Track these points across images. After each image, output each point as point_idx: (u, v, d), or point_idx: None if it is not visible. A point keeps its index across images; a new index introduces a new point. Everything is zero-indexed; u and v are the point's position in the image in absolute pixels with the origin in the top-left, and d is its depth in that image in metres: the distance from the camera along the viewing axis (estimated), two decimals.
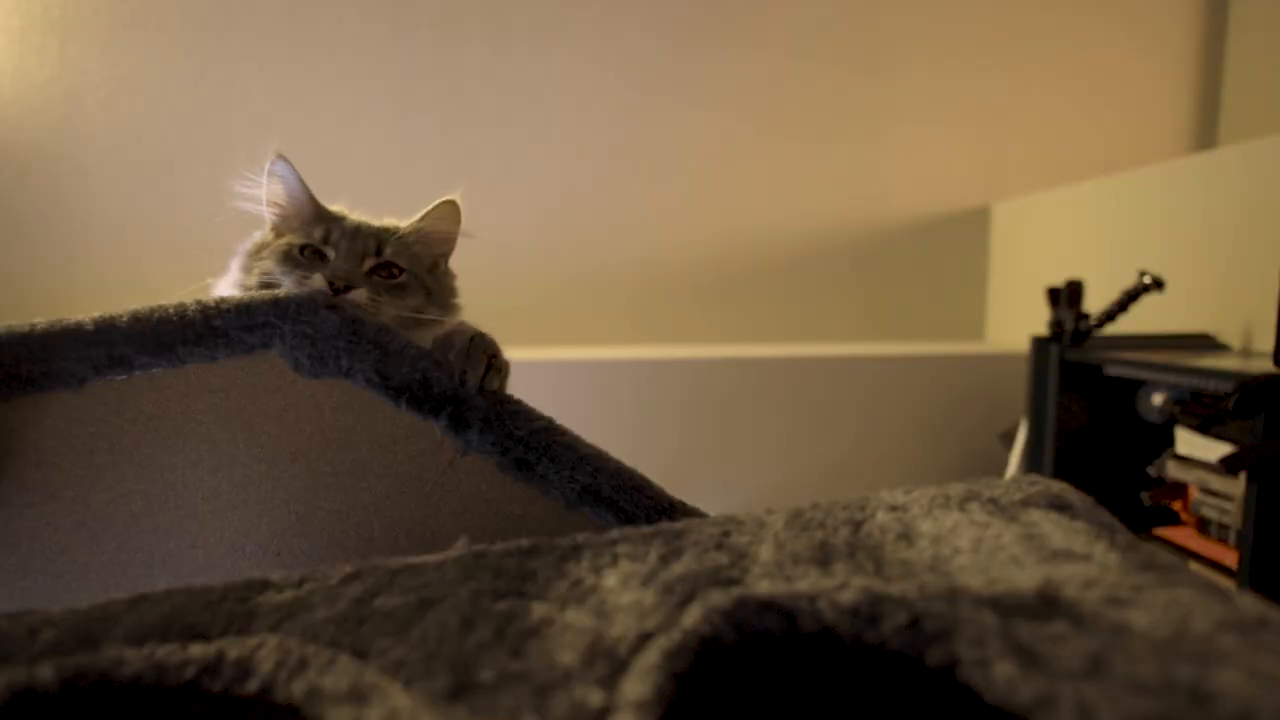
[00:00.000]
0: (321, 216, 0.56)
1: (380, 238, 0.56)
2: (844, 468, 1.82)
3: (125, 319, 0.45)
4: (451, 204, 0.58)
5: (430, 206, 0.58)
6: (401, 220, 0.58)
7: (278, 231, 0.57)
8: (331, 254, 0.54)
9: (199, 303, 0.47)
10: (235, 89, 1.82)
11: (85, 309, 0.47)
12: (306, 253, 0.54)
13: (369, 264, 0.54)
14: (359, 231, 0.55)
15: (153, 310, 0.46)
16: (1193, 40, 2.29)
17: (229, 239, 0.58)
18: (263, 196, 0.56)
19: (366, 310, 0.51)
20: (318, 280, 0.50)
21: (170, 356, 0.46)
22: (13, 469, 0.45)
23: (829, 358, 1.82)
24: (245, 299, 0.47)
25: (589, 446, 0.51)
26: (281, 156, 0.55)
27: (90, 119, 1.75)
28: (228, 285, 0.56)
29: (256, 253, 0.55)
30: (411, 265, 0.56)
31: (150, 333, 0.45)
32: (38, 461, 0.46)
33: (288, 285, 0.51)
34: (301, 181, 0.56)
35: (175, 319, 0.46)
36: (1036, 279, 1.91)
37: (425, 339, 0.54)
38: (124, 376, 0.46)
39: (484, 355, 0.50)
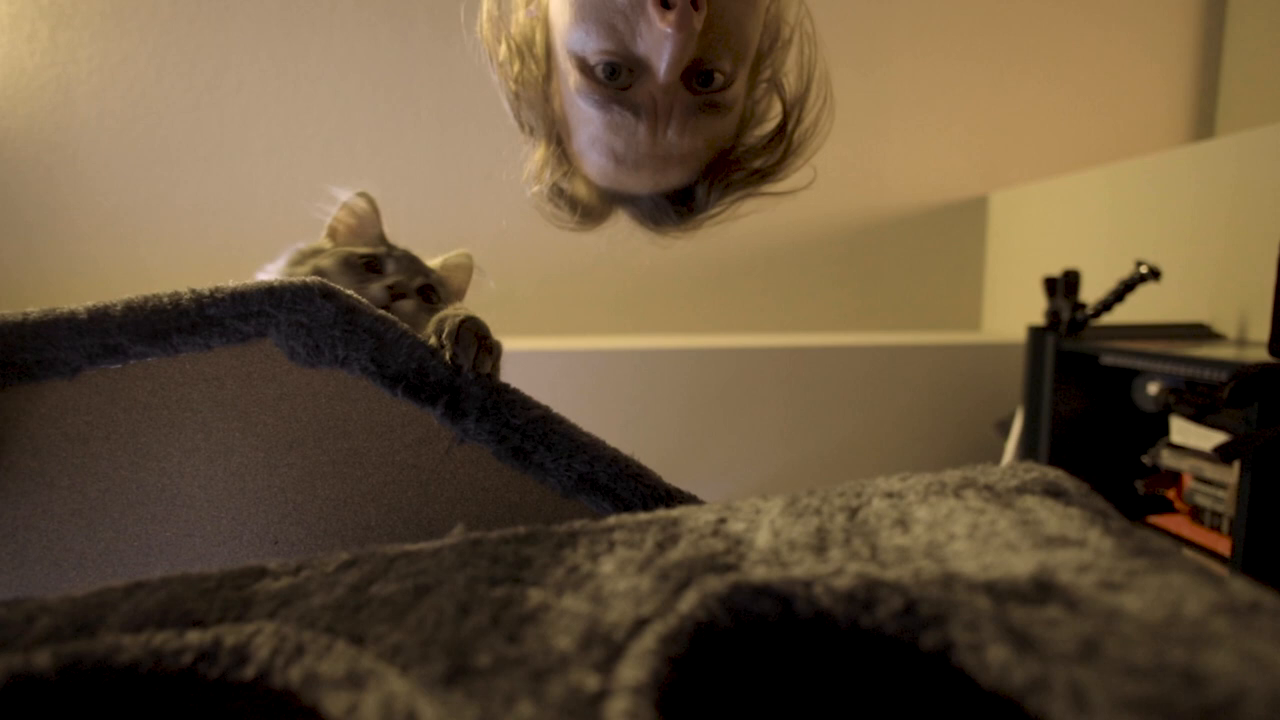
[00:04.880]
0: (382, 241, 0.64)
1: (426, 269, 0.63)
2: (840, 456, 1.82)
3: (119, 308, 0.45)
4: (467, 256, 0.66)
5: (449, 254, 0.65)
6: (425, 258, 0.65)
7: (335, 240, 0.64)
8: (390, 267, 0.60)
9: (193, 291, 0.47)
10: (229, 78, 1.80)
11: (79, 298, 0.47)
12: (364, 261, 0.59)
13: (418, 282, 0.60)
14: (410, 258, 0.62)
15: (146, 299, 0.46)
16: (1190, 29, 2.28)
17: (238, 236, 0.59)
18: (335, 214, 0.64)
19: (412, 318, 0.56)
20: (376, 288, 0.56)
21: (164, 345, 0.46)
22: (8, 458, 0.45)
23: (826, 347, 1.82)
24: (240, 287, 0.47)
25: (586, 435, 0.51)
26: (366, 195, 0.64)
27: (82, 107, 1.73)
28: (273, 273, 0.59)
29: (312, 254, 0.60)
30: (444, 297, 0.63)
31: (144, 321, 0.45)
32: (33, 450, 0.46)
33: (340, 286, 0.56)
34: (378, 215, 0.64)
35: (169, 308, 0.46)
36: (1033, 268, 1.91)
37: None
38: (119, 365, 0.45)
39: (474, 337, 0.50)
